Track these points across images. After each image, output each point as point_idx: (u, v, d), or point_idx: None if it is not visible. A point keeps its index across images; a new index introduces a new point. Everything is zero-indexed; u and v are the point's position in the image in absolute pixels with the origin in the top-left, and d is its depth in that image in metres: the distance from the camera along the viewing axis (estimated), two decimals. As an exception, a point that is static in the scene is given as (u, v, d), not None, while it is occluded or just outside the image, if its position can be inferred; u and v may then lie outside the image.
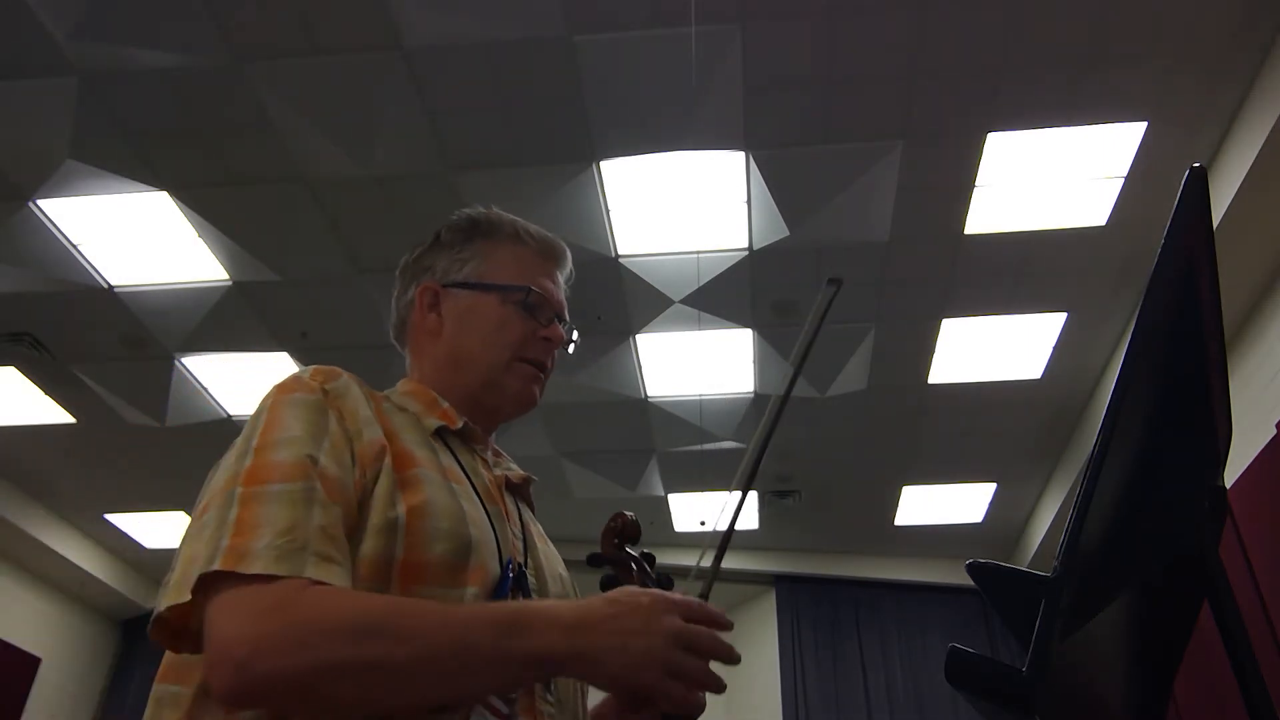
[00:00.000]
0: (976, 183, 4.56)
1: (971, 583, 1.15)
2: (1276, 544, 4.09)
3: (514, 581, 0.95)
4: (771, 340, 5.67)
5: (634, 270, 5.12)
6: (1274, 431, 4.17)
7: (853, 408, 6.21)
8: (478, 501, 1.00)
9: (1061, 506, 6.85)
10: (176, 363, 5.81)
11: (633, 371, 5.92)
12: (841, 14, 3.82)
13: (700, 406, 6.19)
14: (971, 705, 1.02)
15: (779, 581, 8.30)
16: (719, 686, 0.87)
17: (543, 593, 1.02)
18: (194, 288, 5.24)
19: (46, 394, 6.04)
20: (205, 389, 6.07)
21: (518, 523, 1.06)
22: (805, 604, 8.18)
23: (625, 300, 5.34)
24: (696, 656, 0.85)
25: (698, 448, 6.57)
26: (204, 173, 4.54)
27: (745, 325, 5.53)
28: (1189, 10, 3.77)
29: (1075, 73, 4.03)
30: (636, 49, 3.97)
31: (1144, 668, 1.09)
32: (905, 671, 7.87)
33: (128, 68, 4.01)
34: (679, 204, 4.72)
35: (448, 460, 1.02)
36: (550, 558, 1.10)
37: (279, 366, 5.85)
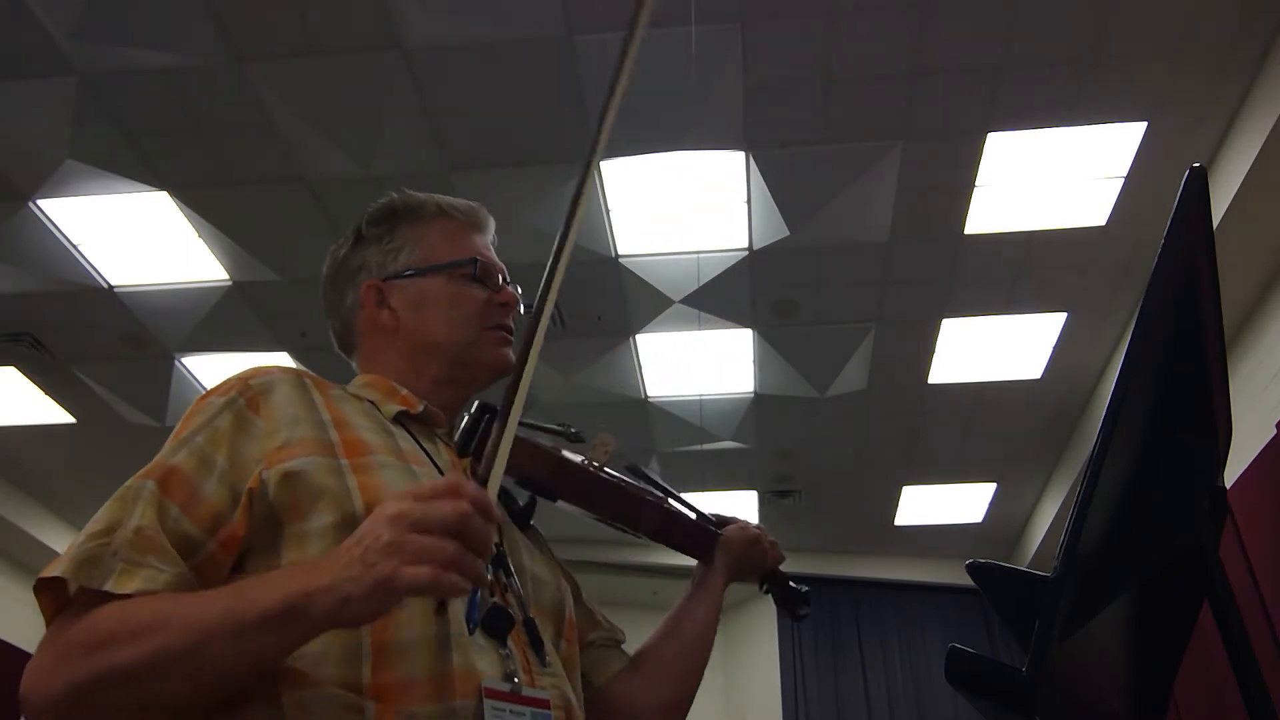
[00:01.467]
0: (976, 183, 4.56)
1: (971, 583, 1.15)
2: (1276, 544, 4.09)
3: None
4: (771, 340, 5.67)
5: (634, 270, 5.12)
6: (1274, 431, 4.17)
7: (853, 408, 6.21)
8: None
9: (1061, 506, 6.85)
10: (176, 363, 5.81)
11: (633, 371, 5.92)
12: (841, 14, 3.82)
13: (700, 406, 6.19)
14: (971, 705, 1.02)
15: (779, 581, 8.30)
16: (470, 570, 0.74)
17: (526, 588, 1.02)
18: (194, 288, 5.24)
19: (46, 394, 6.04)
20: (205, 389, 6.06)
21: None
22: (805, 604, 8.17)
23: (625, 300, 5.34)
24: (428, 534, 0.73)
25: (698, 448, 6.57)
26: (204, 173, 4.54)
27: (745, 325, 5.53)
28: (1189, 10, 3.77)
29: (1075, 73, 4.03)
30: (636, 49, 3.96)
31: (1144, 668, 1.09)
32: (905, 671, 7.87)
33: (128, 68, 4.00)
34: (679, 204, 4.72)
35: (408, 444, 1.02)
36: (540, 561, 1.10)
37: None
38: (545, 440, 1.17)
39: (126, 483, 0.91)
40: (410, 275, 1.15)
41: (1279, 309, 4.52)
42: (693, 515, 1.27)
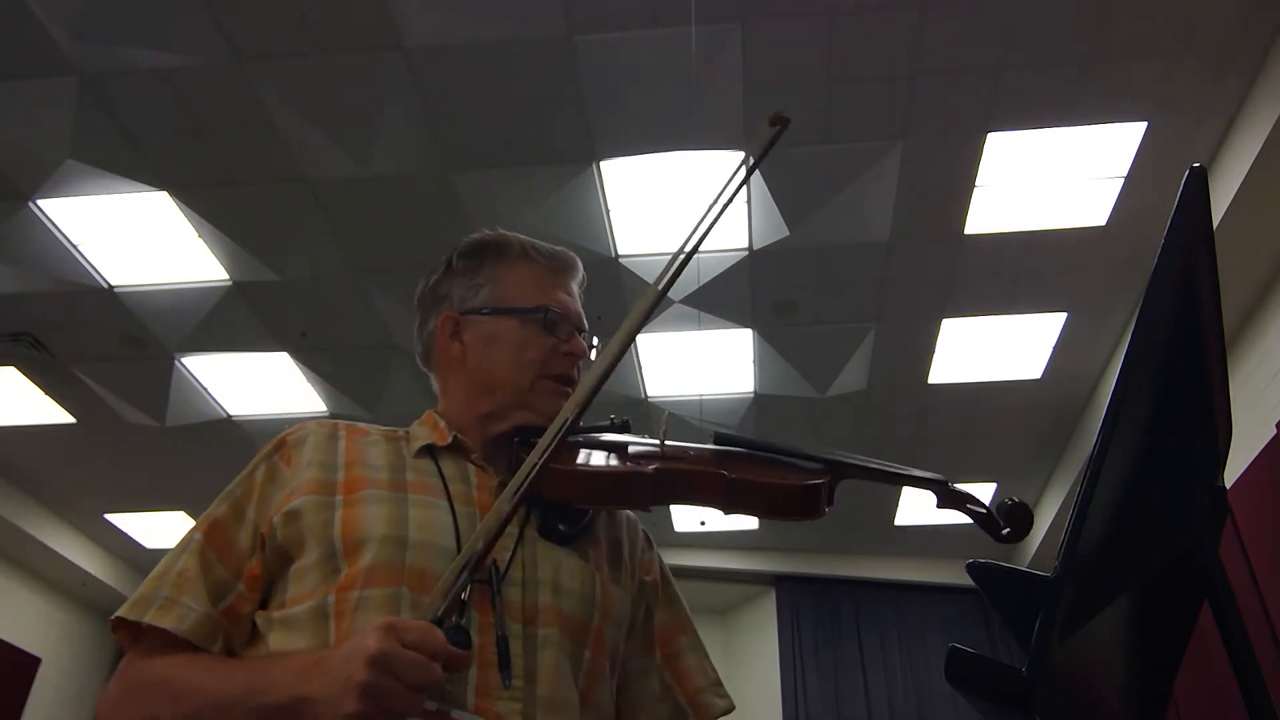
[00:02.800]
0: (976, 183, 4.56)
1: (971, 583, 1.15)
2: (1276, 544, 4.09)
3: (477, 576, 0.95)
4: (771, 340, 5.67)
5: (634, 270, 5.12)
6: (1274, 431, 4.17)
7: (853, 408, 6.21)
8: (444, 507, 1.06)
9: (1061, 506, 6.85)
10: (176, 363, 5.81)
11: (633, 371, 5.92)
12: (841, 14, 3.82)
13: (700, 406, 6.19)
14: (971, 705, 1.02)
15: (779, 581, 8.30)
16: (412, 711, 0.86)
17: (529, 594, 1.04)
18: (194, 288, 5.24)
19: (46, 394, 6.04)
20: (205, 389, 6.07)
21: (515, 525, 1.07)
22: (805, 604, 8.18)
23: (625, 300, 5.33)
24: (396, 680, 0.84)
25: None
26: (204, 173, 4.54)
27: (745, 325, 5.54)
28: (1189, 10, 3.77)
29: (1075, 73, 4.03)
30: (636, 49, 3.97)
31: (1144, 668, 1.09)
32: (905, 671, 7.87)
33: (128, 68, 4.01)
34: (679, 204, 4.72)
35: (418, 475, 1.09)
36: (569, 569, 1.09)
37: (279, 366, 5.85)
38: (599, 444, 1.15)
39: (185, 533, 1.08)
40: (486, 313, 1.19)
41: (1279, 309, 4.52)
42: (789, 473, 1.12)
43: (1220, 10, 3.76)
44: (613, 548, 1.18)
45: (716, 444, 1.18)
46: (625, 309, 5.42)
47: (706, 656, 1.26)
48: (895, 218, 4.75)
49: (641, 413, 6.27)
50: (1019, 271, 5.08)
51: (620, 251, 5.02)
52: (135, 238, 4.91)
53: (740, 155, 4.51)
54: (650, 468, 1.09)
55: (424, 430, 1.16)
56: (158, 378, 5.89)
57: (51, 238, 4.85)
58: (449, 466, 1.12)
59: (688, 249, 1.13)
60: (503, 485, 1.10)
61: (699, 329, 5.54)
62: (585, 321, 1.25)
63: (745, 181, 1.17)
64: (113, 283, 5.17)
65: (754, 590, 8.45)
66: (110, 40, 3.90)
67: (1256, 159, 3.97)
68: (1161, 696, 1.09)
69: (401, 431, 1.18)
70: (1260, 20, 3.80)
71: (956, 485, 1.17)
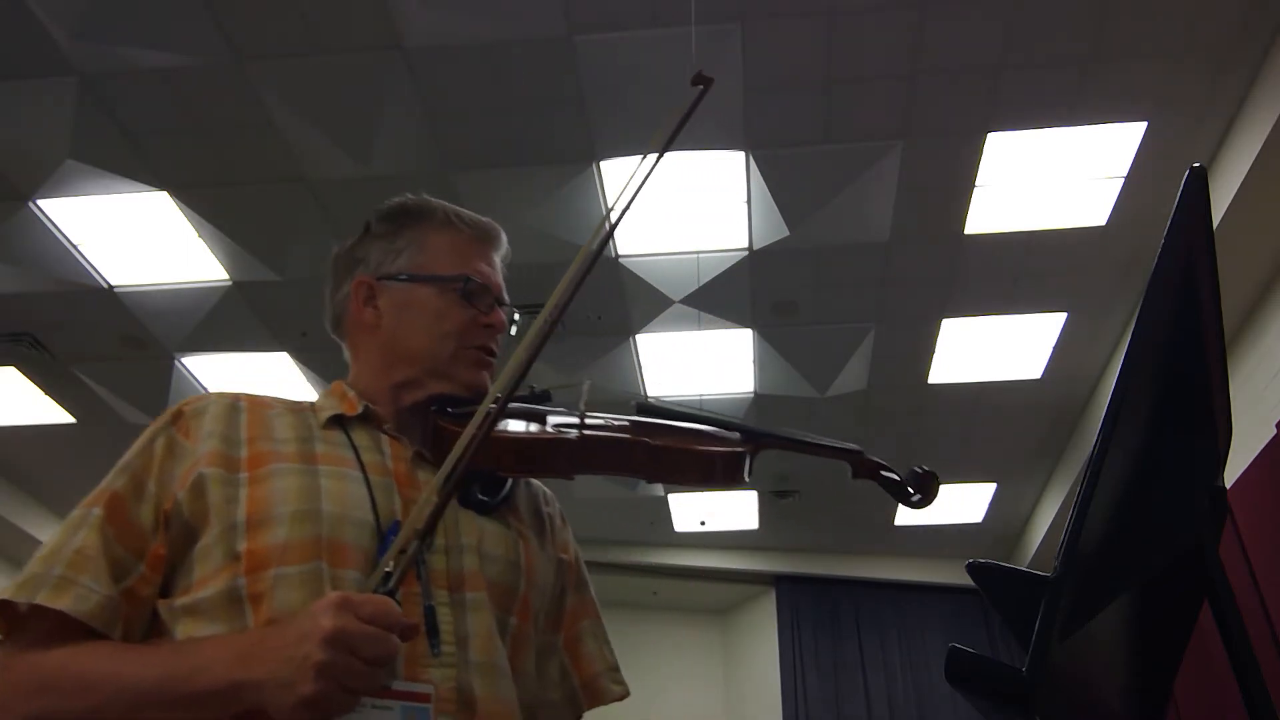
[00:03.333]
0: (976, 183, 4.56)
1: (971, 583, 1.15)
2: (1276, 544, 4.09)
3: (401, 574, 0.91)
4: (771, 340, 5.67)
5: (634, 270, 5.12)
6: (1274, 431, 4.16)
7: (853, 408, 6.21)
8: (359, 478, 1.01)
9: (1061, 506, 6.85)
10: (176, 363, 5.81)
11: (633, 371, 5.92)
12: (841, 14, 3.82)
13: (700, 407, 6.18)
14: (971, 705, 1.02)
15: (779, 581, 8.31)
16: (372, 688, 0.84)
17: (454, 560, 1.01)
18: (194, 288, 5.24)
19: (46, 394, 6.04)
20: (205, 389, 6.07)
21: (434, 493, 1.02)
22: (805, 604, 8.19)
23: (625, 300, 5.34)
24: (354, 657, 0.81)
25: (698, 448, 6.56)
26: (204, 173, 4.54)
27: (745, 325, 5.53)
28: (1189, 10, 3.77)
29: (1075, 73, 4.03)
30: (636, 49, 3.97)
31: (1144, 668, 1.09)
32: (905, 671, 7.87)
33: (128, 68, 4.00)
34: (679, 204, 4.72)
35: (328, 447, 1.05)
36: (492, 535, 1.06)
37: (279, 366, 5.85)
38: (520, 412, 1.12)
39: (75, 510, 0.98)
40: (404, 279, 1.15)
41: (1279, 309, 4.52)
42: (710, 441, 1.12)
43: (1220, 10, 3.76)
44: (534, 519, 1.16)
45: (639, 414, 1.16)
46: (625, 309, 5.43)
47: (607, 643, 1.22)
48: (895, 218, 4.75)
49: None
50: (1019, 271, 5.08)
51: (620, 251, 5.02)
52: (135, 238, 4.91)
53: (740, 155, 4.53)
54: (572, 434, 1.08)
55: (331, 401, 1.11)
56: (158, 378, 5.89)
57: (51, 238, 4.85)
58: (360, 437, 1.07)
59: (618, 208, 1.09)
60: (419, 455, 1.07)
61: (699, 329, 5.54)
62: (506, 294, 1.21)
63: (669, 143, 1.11)
64: (113, 283, 5.17)
65: (754, 590, 8.45)
66: (110, 40, 3.90)
67: (1256, 159, 3.97)
68: (1161, 696, 1.09)
69: (307, 403, 1.13)
70: (1260, 20, 3.80)
71: (870, 455, 1.19)
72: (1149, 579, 1.04)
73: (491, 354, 1.16)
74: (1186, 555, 0.98)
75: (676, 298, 5.29)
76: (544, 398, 1.15)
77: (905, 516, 7.62)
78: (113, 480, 1.00)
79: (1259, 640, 3.90)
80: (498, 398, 0.96)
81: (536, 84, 4.11)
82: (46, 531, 7.44)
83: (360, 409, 1.09)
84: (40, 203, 4.66)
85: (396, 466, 1.06)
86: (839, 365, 5.83)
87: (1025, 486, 7.20)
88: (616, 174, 4.56)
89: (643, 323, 5.50)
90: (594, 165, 4.50)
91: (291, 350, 5.74)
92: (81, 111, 4.18)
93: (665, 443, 1.09)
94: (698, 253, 4.99)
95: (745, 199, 4.68)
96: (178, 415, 1.05)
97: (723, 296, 5.27)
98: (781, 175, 4.54)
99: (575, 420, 1.10)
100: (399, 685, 0.89)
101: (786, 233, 4.84)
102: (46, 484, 7.14)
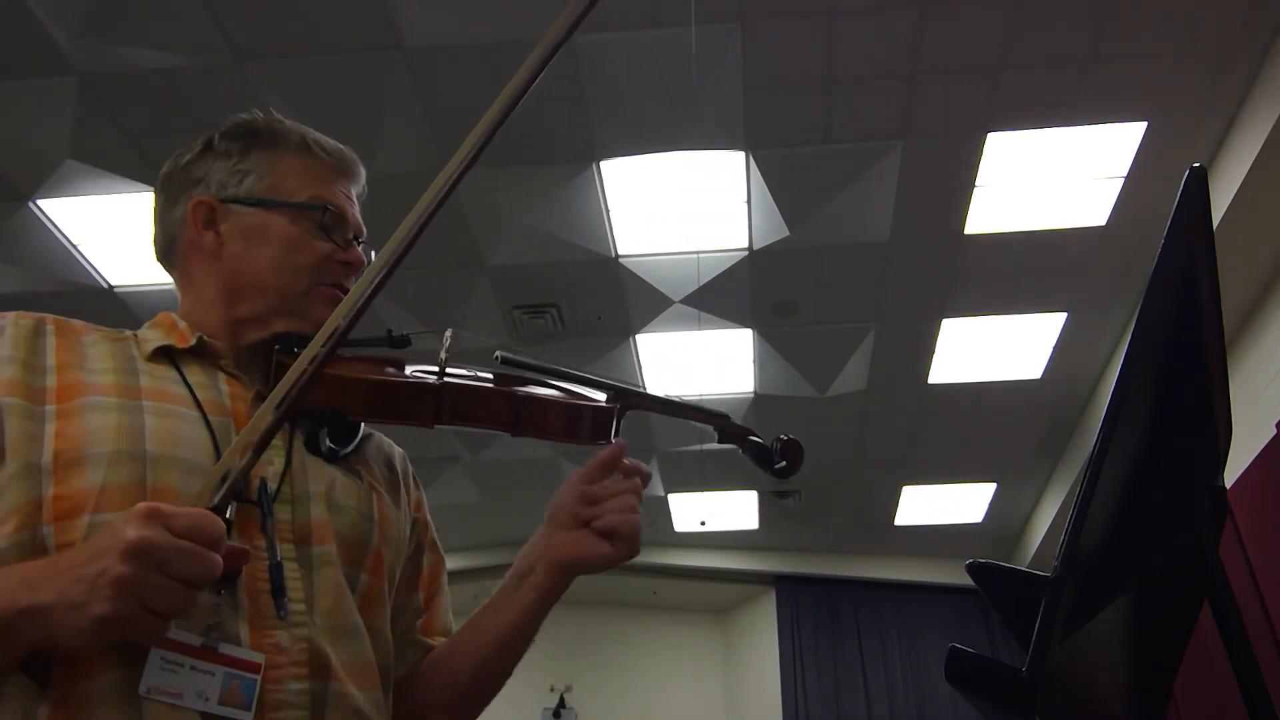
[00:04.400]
0: (976, 183, 4.56)
1: (971, 583, 1.15)
2: (1276, 544, 4.09)
3: (227, 494, 0.81)
4: (771, 340, 5.67)
5: (634, 270, 5.12)
6: (1274, 431, 4.16)
7: (853, 408, 6.21)
8: (194, 417, 0.92)
9: (1061, 506, 6.85)
10: (176, 363, 5.81)
11: (633, 371, 5.92)
12: (841, 14, 3.82)
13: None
14: (971, 705, 1.02)
15: (779, 581, 8.31)
16: (182, 607, 0.73)
17: (300, 510, 0.92)
18: (194, 288, 5.24)
19: (46, 394, 6.04)
20: (205, 389, 6.07)
21: (280, 438, 0.94)
22: (805, 604, 8.19)
23: (625, 300, 5.34)
24: (160, 573, 0.71)
25: (697, 447, 6.57)
26: (204, 173, 4.53)
27: (745, 325, 5.54)
28: (1189, 10, 3.77)
29: (1075, 73, 4.03)
30: (636, 49, 3.97)
31: (1144, 668, 1.09)
32: (905, 671, 7.88)
33: (128, 68, 4.00)
34: (679, 204, 4.72)
35: (154, 381, 0.94)
36: (343, 486, 0.98)
37: (279, 366, 5.85)
38: (374, 357, 1.04)
39: None
40: (252, 205, 1.04)
41: (1279, 309, 4.52)
42: (577, 397, 1.07)
43: (1220, 10, 3.76)
44: (387, 473, 1.08)
45: (503, 367, 1.09)
46: (625, 309, 5.44)
47: (449, 601, 1.14)
48: (895, 218, 4.75)
49: (642, 413, 6.27)
50: (1019, 271, 5.08)
51: (620, 251, 5.02)
52: (135, 238, 4.91)
53: (740, 155, 4.52)
54: (431, 380, 0.99)
55: (156, 332, 1.01)
56: (158, 378, 5.90)
57: (51, 238, 4.85)
58: (193, 373, 0.97)
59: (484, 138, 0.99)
60: (261, 397, 0.96)
61: (699, 329, 5.54)
62: (364, 230, 1.10)
63: (554, 52, 0.99)
64: (113, 283, 5.17)
65: (754, 590, 8.45)
66: (110, 40, 3.90)
67: (1256, 159, 3.97)
68: (1161, 696, 1.09)
69: (128, 332, 1.02)
70: (1260, 20, 3.80)
71: (735, 422, 1.15)
72: (1149, 579, 1.04)
73: (344, 292, 1.04)
74: (1186, 555, 0.98)
75: (676, 298, 5.29)
76: (402, 342, 1.05)
77: (905, 516, 7.62)
78: None
79: (1259, 640, 3.90)
80: (339, 325, 0.86)
81: (537, 84, 4.10)
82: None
83: (193, 341, 0.99)
84: (40, 203, 4.66)
85: (235, 406, 0.96)
86: (839, 365, 5.84)
87: (1025, 486, 7.20)
88: (616, 174, 4.56)
89: (643, 323, 5.51)
90: (594, 165, 4.50)
91: (291, 350, 5.73)
92: (81, 111, 4.18)
93: (531, 394, 1.03)
94: (698, 253, 5.00)
95: (745, 199, 4.68)
96: None
97: (723, 296, 5.27)
98: (781, 175, 4.54)
99: (435, 368, 1.01)
100: (226, 649, 0.81)
101: (786, 233, 4.84)
102: (46, 484, 7.14)
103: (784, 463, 1.10)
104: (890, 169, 4.49)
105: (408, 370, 1.02)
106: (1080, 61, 3.99)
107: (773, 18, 3.84)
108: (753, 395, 6.14)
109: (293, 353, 0.97)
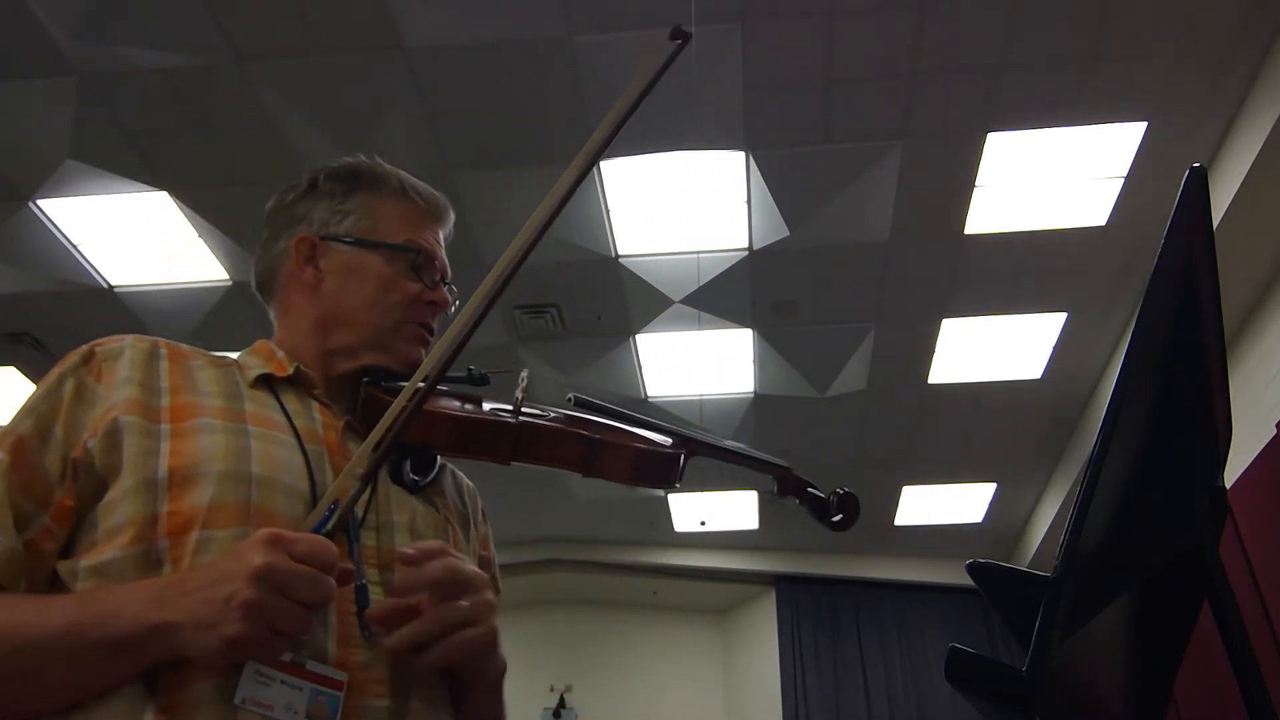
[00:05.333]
0: (976, 183, 4.56)
1: (971, 583, 1.15)
2: (1276, 544, 4.09)
3: (337, 523, 0.88)
4: (771, 340, 5.67)
5: (634, 270, 5.12)
6: (1274, 431, 4.16)
7: (853, 408, 6.21)
8: (292, 443, 0.96)
9: (1061, 506, 6.85)
10: (176, 363, 5.81)
11: (633, 371, 5.92)
12: (841, 14, 3.82)
13: (700, 406, 6.19)
14: (971, 705, 1.02)
15: (779, 581, 8.31)
16: (303, 629, 0.80)
17: (384, 538, 0.97)
18: (194, 288, 5.24)
19: (46, 394, 6.04)
20: (205, 389, 6.07)
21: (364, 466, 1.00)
22: (805, 604, 8.19)
23: (625, 300, 5.34)
24: (284, 598, 0.77)
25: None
26: (204, 173, 4.54)
27: (745, 325, 5.53)
28: (1189, 10, 3.77)
29: (1075, 73, 4.03)
30: (636, 49, 3.97)
31: (1144, 668, 1.09)
32: (905, 671, 7.87)
33: (128, 68, 4.00)
34: (679, 204, 4.72)
35: (257, 406, 0.99)
36: (424, 516, 1.03)
37: (279, 366, 5.86)
38: (455, 393, 1.10)
39: None
40: (350, 243, 1.11)
41: (1279, 309, 4.52)
42: (645, 441, 1.11)
43: (1220, 10, 3.76)
44: (460, 505, 1.13)
45: (575, 409, 1.14)
46: (625, 309, 5.43)
47: None
48: (895, 218, 4.75)
49: (641, 412, 6.28)
50: (1019, 271, 5.08)
51: (620, 251, 5.02)
52: (135, 238, 4.91)
53: (740, 155, 4.52)
54: (510, 419, 1.05)
55: (257, 359, 1.06)
56: (158, 378, 5.89)
57: (51, 238, 4.85)
58: (290, 401, 1.02)
59: (573, 181, 1.09)
60: (350, 427, 1.03)
61: (699, 329, 5.54)
62: (450, 273, 1.17)
63: (638, 103, 1.08)
64: (113, 283, 5.17)
65: (754, 590, 8.45)
66: (110, 40, 3.90)
67: (1256, 159, 3.96)
68: (1161, 696, 1.09)
69: (230, 358, 1.07)
70: (1260, 20, 3.80)
71: (797, 473, 1.18)
72: (1149, 579, 1.04)
73: (431, 332, 1.13)
74: (1186, 555, 0.98)
75: (676, 298, 5.29)
76: (481, 380, 1.10)
77: (905, 516, 7.62)
78: (17, 424, 0.92)
79: (1259, 640, 3.90)
80: (429, 374, 0.93)
81: (536, 84, 4.11)
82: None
83: (291, 371, 1.04)
84: (40, 203, 4.66)
85: (327, 435, 1.01)
86: (839, 365, 5.83)
87: (1025, 486, 7.20)
88: (616, 174, 4.56)
89: (643, 323, 5.51)
90: (594, 165, 4.49)
91: (291, 350, 5.74)
92: (81, 111, 4.18)
93: (603, 437, 1.07)
94: (698, 253, 5.00)
95: (745, 199, 4.68)
96: (89, 357, 0.98)
97: (723, 296, 5.27)
98: (781, 175, 4.54)
99: (511, 407, 1.07)
100: (314, 666, 0.85)
101: (786, 233, 4.84)
102: (46, 484, 7.14)
103: (840, 516, 1.14)
104: (890, 169, 4.49)
105: (486, 408, 1.08)
106: (1080, 61, 3.99)
107: (773, 18, 3.84)
108: (753, 395, 6.14)
109: (379, 385, 1.04)
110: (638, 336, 5.63)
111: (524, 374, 1.10)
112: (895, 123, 4.29)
